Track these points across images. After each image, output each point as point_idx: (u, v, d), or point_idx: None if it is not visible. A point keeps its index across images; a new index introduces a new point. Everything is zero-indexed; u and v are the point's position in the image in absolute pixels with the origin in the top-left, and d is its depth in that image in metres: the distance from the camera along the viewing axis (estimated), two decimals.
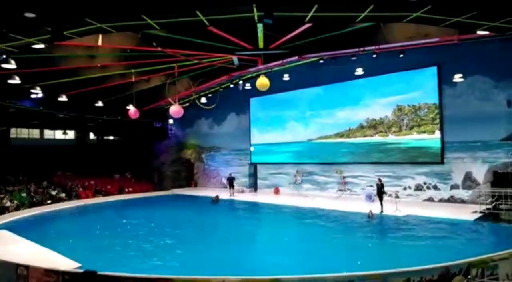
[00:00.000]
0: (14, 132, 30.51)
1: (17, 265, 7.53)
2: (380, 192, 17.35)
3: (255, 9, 9.07)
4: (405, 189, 20.28)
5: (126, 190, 28.93)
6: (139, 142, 33.35)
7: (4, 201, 20.63)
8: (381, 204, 17.19)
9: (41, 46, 11.36)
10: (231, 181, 26.14)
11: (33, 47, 11.50)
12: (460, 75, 17.56)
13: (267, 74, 15.15)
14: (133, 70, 18.83)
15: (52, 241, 13.02)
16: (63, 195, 24.82)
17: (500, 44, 15.47)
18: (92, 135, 36.56)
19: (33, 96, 19.12)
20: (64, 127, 32.24)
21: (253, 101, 28.00)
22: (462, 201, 18.21)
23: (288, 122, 26.37)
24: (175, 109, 15.64)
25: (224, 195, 25.30)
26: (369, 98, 21.83)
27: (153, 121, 30.31)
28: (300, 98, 25.23)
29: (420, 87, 19.71)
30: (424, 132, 19.72)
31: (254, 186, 28.55)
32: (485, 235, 13.42)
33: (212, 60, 18.47)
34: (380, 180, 17.89)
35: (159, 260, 10.81)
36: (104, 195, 27.12)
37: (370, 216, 16.55)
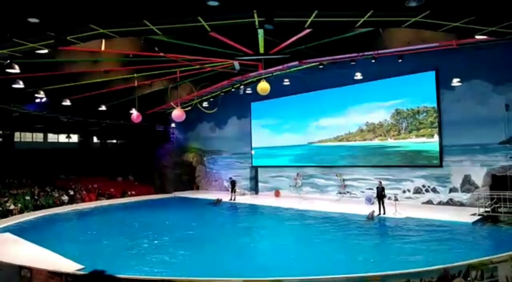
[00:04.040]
0: (18, 136, 30.75)
1: (21, 267, 7.52)
2: (381, 195, 17.53)
3: (256, 15, 9.22)
4: (404, 191, 20.37)
5: (129, 192, 29.10)
6: (141, 145, 33.47)
7: (8, 204, 20.80)
8: (383, 207, 17.36)
9: (45, 51, 11.46)
10: (233, 184, 26.16)
11: (37, 52, 11.66)
12: (458, 79, 17.67)
13: (267, 79, 15.23)
14: (135, 75, 19.00)
15: (56, 243, 13.11)
16: (67, 198, 24.97)
17: (498, 49, 15.55)
18: (95, 139, 36.80)
19: (37, 100, 19.26)
20: (68, 131, 32.47)
21: (254, 105, 28.16)
22: (461, 204, 18.28)
23: (288, 125, 26.51)
24: (177, 113, 15.73)
25: (226, 197, 25.39)
26: (368, 102, 21.96)
27: (156, 125, 30.45)
28: (300, 103, 25.37)
29: (419, 91, 19.82)
30: (423, 136, 19.83)
31: (255, 189, 28.67)
32: (484, 237, 13.49)
33: (214, 65, 18.62)
34: (380, 183, 18.09)
35: (161, 262, 10.93)
36: (107, 198, 27.29)
37: (370, 217, 16.70)
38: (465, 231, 13.88)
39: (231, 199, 25.17)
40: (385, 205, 17.45)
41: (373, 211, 17.13)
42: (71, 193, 25.97)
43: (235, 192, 25.77)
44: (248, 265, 10.05)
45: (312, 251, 12.06)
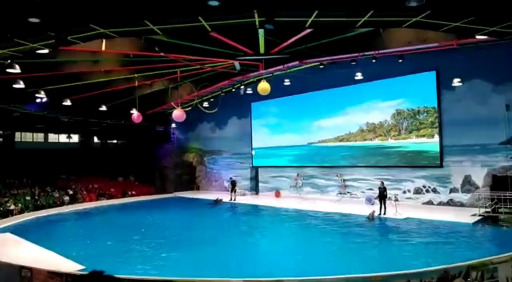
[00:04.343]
0: (18, 136, 30.76)
1: (21, 267, 7.57)
2: (383, 195, 17.54)
3: (256, 15, 9.22)
4: (404, 192, 20.37)
5: (129, 193, 29.10)
6: (142, 146, 33.48)
7: (8, 204, 20.80)
8: (384, 207, 17.40)
9: (46, 51, 11.46)
10: (233, 184, 26.12)
11: (37, 52, 11.67)
12: (459, 79, 17.68)
13: (268, 79, 15.22)
14: (136, 75, 19.00)
15: (56, 243, 13.10)
16: (67, 198, 24.96)
17: (499, 49, 15.52)
18: (96, 139, 36.81)
19: (37, 100, 19.25)
20: (68, 131, 32.48)
21: (255, 105, 28.16)
22: (461, 204, 18.27)
23: (288, 126, 26.51)
24: (178, 114, 15.74)
25: (226, 198, 25.37)
26: (368, 102, 21.97)
27: (156, 125, 30.45)
28: (300, 103, 25.38)
29: (419, 91, 19.81)
30: (423, 136, 19.83)
31: (255, 189, 28.68)
32: (484, 238, 13.51)
33: (214, 65, 18.63)
34: (382, 183, 18.12)
35: (161, 262, 10.93)
36: (108, 198, 27.28)
37: (370, 218, 16.70)
38: (465, 232, 13.87)
39: (231, 199, 25.13)
40: (386, 205, 17.47)
41: (374, 211, 17.13)
42: (72, 193, 25.95)
43: (235, 192, 25.72)
44: (248, 265, 10.03)
45: (313, 251, 12.04)
